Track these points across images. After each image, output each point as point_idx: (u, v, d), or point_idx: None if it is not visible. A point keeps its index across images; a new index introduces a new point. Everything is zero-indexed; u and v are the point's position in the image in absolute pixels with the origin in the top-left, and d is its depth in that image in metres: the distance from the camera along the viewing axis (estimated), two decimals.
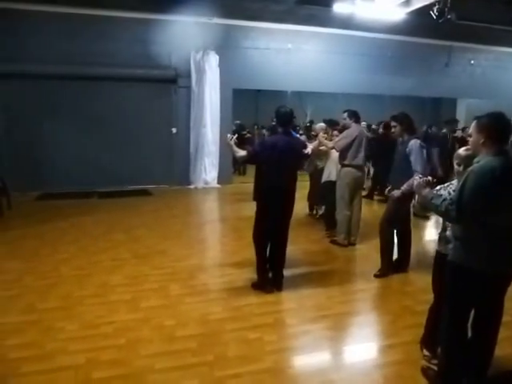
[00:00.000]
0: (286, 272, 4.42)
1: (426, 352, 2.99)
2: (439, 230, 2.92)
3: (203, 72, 9.39)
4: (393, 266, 4.65)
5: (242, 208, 7.70)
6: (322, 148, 5.57)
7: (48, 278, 4.43)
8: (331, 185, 5.72)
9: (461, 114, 13.30)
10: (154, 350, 3.11)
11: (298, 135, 6.37)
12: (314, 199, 7.01)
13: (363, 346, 3.30)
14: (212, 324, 3.50)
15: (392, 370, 2.91)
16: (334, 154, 5.69)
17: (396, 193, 4.32)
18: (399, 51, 10.81)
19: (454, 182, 2.76)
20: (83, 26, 8.48)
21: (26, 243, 5.58)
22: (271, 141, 4.13)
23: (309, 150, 4.17)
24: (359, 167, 5.40)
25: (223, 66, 9.49)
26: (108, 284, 4.27)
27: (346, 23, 9.21)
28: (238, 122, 10.62)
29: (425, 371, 2.84)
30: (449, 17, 7.03)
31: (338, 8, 7.94)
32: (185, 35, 9.10)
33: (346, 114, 5.51)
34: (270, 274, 4.26)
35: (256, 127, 15.12)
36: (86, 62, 8.56)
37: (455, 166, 2.73)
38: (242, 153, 4.09)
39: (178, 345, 3.18)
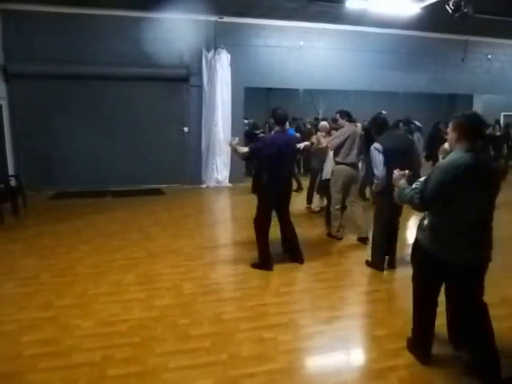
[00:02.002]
0: (298, 273, 4.53)
1: None
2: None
3: (215, 70, 9.41)
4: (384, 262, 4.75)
5: (254, 207, 7.69)
6: (320, 146, 5.95)
7: (64, 275, 4.49)
8: (328, 182, 5.93)
9: (477, 110, 13.09)
10: (168, 348, 3.13)
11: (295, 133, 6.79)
12: (310, 194, 7.52)
13: (378, 347, 3.27)
14: (226, 323, 3.50)
15: (407, 373, 2.87)
16: (331, 153, 5.91)
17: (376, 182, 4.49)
18: (413, 47, 10.67)
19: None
20: (96, 25, 8.56)
21: (41, 241, 5.67)
22: (270, 138, 4.59)
23: (301, 145, 4.60)
24: (352, 164, 5.62)
25: (235, 64, 9.49)
26: (122, 282, 4.30)
27: (359, 19, 9.14)
28: (251, 120, 10.59)
29: None
30: (465, 10, 6.89)
31: (350, 4, 7.86)
32: (196, 34, 9.16)
33: (338, 115, 5.80)
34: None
35: (267, 125, 15.10)
36: (98, 61, 8.64)
37: (440, 159, 3.04)
38: (244, 149, 4.65)
39: (193, 343, 3.19)
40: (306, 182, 8.14)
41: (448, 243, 2.59)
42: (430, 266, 2.71)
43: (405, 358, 3.03)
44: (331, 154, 5.92)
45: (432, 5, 7.64)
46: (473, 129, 2.52)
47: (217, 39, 9.33)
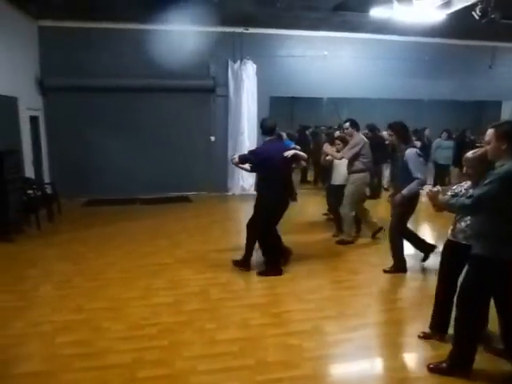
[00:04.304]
0: (323, 280, 4.63)
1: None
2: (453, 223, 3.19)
3: (241, 81, 9.57)
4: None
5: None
6: (328, 158, 6.10)
7: (96, 280, 4.66)
8: (334, 189, 6.16)
9: (506, 117, 12.79)
10: (196, 352, 3.21)
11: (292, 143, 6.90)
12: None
13: (404, 356, 3.27)
14: (252, 329, 3.56)
15: (434, 383, 2.86)
16: (336, 161, 6.06)
17: (397, 197, 4.56)
18: (438, 54, 10.54)
19: (464, 183, 3.11)
20: (127, 39, 8.86)
21: (74, 247, 5.89)
22: (261, 148, 4.77)
23: (288, 153, 4.53)
24: (368, 171, 5.83)
25: (260, 74, 9.63)
26: (152, 287, 4.43)
27: (383, 28, 9.14)
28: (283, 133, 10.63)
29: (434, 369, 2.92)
30: (492, 16, 6.79)
31: (374, 13, 7.87)
32: (223, 45, 9.37)
33: (347, 124, 5.87)
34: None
35: (297, 134, 15.17)
36: (129, 74, 8.93)
37: (464, 168, 2.99)
38: (246, 167, 4.90)
39: (220, 348, 3.26)
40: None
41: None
42: (494, 271, 2.65)
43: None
44: (336, 161, 6.07)
45: (458, 11, 7.56)
46: None
47: (243, 50, 9.50)
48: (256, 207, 4.85)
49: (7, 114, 7.40)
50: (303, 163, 5.15)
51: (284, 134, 9.44)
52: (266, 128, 4.67)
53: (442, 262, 3.30)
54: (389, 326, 3.72)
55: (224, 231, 6.81)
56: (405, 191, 4.49)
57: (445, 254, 3.27)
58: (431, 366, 2.94)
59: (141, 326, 3.61)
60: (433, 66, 10.52)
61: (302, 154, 4.76)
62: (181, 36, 8.96)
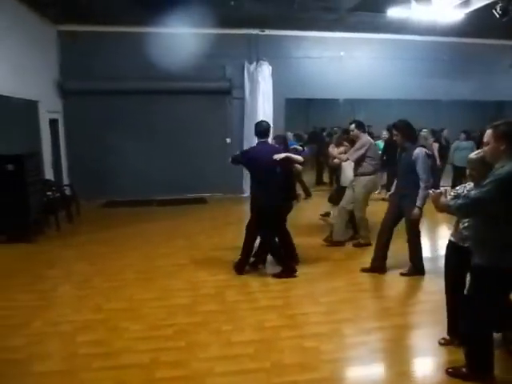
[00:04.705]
0: (339, 283, 4.57)
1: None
2: (454, 223, 3.21)
3: (256, 83, 9.59)
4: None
5: (293, 216, 7.74)
6: (335, 161, 6.09)
7: (114, 280, 4.72)
8: (342, 191, 6.12)
9: None
10: (212, 353, 3.22)
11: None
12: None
13: (421, 360, 3.22)
14: (268, 331, 3.56)
15: None
16: (344, 163, 6.06)
17: (416, 213, 4.44)
18: (457, 54, 10.37)
19: (467, 184, 3.07)
20: (144, 43, 8.94)
21: (93, 247, 5.98)
22: (251, 149, 4.85)
23: (277, 156, 4.52)
24: (375, 173, 5.79)
25: (276, 76, 9.63)
26: (168, 288, 4.47)
27: (400, 28, 9.04)
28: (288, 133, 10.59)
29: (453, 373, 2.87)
30: None
31: (392, 13, 7.80)
32: (238, 47, 9.41)
33: (353, 126, 5.75)
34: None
35: (306, 136, 15.13)
36: (146, 77, 9.02)
37: (467, 170, 2.96)
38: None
39: (236, 350, 3.27)
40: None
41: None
42: (502, 280, 2.59)
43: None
44: (342, 163, 6.07)
45: (477, 10, 7.44)
46: None
47: (259, 52, 9.53)
48: (251, 209, 4.91)
49: (28, 118, 7.59)
50: (298, 166, 5.03)
51: (290, 135, 9.44)
52: (258, 131, 4.71)
53: (445, 265, 3.30)
54: (406, 329, 3.68)
55: (240, 233, 6.74)
56: (419, 203, 4.40)
57: (447, 256, 3.28)
58: (450, 370, 2.89)
59: (158, 326, 3.64)
60: (451, 66, 10.36)
61: (295, 157, 4.74)
62: (197, 38, 9.02)
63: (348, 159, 5.79)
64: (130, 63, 8.98)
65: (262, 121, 4.90)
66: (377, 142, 8.60)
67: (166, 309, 3.97)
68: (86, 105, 9.04)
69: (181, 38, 8.91)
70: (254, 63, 9.58)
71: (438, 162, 9.85)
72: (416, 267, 4.76)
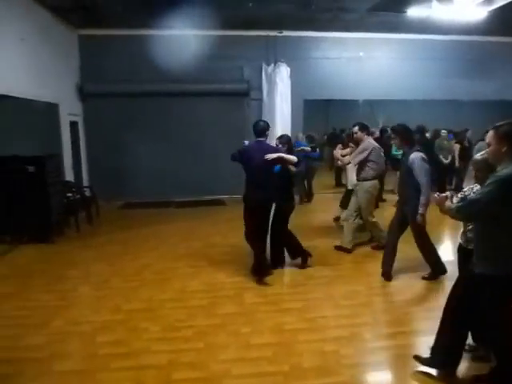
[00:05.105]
0: (358, 287, 4.50)
1: None
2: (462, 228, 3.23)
3: (274, 84, 9.55)
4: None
5: (312, 218, 7.70)
6: (339, 163, 6.10)
7: (132, 281, 4.75)
8: (349, 193, 6.13)
9: None
10: (230, 355, 3.20)
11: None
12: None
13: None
14: (287, 334, 3.52)
15: None
16: (348, 166, 6.01)
17: (419, 219, 4.34)
18: (479, 53, 10.13)
19: (474, 186, 3.01)
20: (162, 45, 9.00)
21: (111, 248, 6.04)
22: (245, 147, 4.95)
23: (269, 156, 4.50)
24: (377, 179, 5.61)
25: (294, 77, 9.58)
26: (186, 289, 4.47)
27: (420, 27, 8.90)
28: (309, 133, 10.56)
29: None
30: None
31: (412, 12, 7.68)
32: (256, 49, 9.40)
33: (356, 128, 5.59)
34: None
35: (326, 137, 15.05)
36: (164, 79, 9.08)
37: (473, 172, 2.96)
38: None
39: (254, 352, 3.24)
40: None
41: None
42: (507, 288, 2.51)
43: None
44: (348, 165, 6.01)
45: (500, 8, 7.25)
46: None
47: (276, 53, 9.49)
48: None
49: (49, 120, 7.72)
50: (292, 167, 4.91)
51: (300, 136, 9.37)
52: (255, 130, 4.81)
53: (458, 268, 3.29)
54: (428, 334, 3.56)
55: None
56: (421, 210, 4.30)
57: (458, 259, 3.31)
58: (474, 376, 2.82)
59: (176, 327, 3.64)
60: (473, 65, 10.13)
61: (288, 157, 4.63)
62: (214, 40, 9.06)
63: (350, 162, 5.69)
64: (148, 66, 9.04)
65: (259, 120, 4.98)
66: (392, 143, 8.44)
67: (184, 310, 3.97)
68: (104, 107, 9.15)
69: (198, 40, 8.96)
70: (272, 64, 9.55)
71: (457, 163, 9.66)
72: (434, 270, 4.66)
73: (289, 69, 9.55)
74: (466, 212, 2.52)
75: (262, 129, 4.78)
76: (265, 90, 9.64)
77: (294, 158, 4.65)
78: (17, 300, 4.27)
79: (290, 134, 9.50)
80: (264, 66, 9.58)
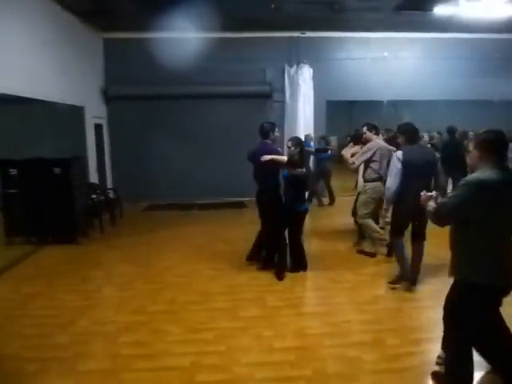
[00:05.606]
0: (382, 291, 4.43)
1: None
2: None
3: (297, 85, 9.51)
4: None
5: (334, 221, 7.60)
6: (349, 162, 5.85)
7: (155, 282, 4.79)
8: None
9: None
10: (253, 358, 3.17)
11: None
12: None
13: (475, 375, 3.01)
14: (309, 338, 3.47)
15: None
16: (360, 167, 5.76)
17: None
18: (508, 51, 9.80)
19: None
20: (185, 48, 9.07)
21: (135, 250, 6.11)
22: (254, 148, 5.07)
23: (264, 157, 4.71)
24: (380, 180, 5.38)
25: (317, 78, 9.50)
26: (208, 292, 4.47)
27: (447, 26, 8.69)
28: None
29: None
30: None
31: (439, 11, 7.51)
32: (279, 50, 9.38)
33: (365, 128, 5.52)
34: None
35: (349, 138, 14.85)
36: (187, 81, 9.15)
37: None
38: None
39: (277, 356, 3.20)
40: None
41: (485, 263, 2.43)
42: (477, 297, 2.44)
43: None
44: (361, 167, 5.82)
45: None
46: (495, 145, 2.45)
47: (299, 54, 9.45)
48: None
49: (75, 123, 7.88)
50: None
51: (311, 135, 9.27)
52: (261, 132, 5.02)
53: None
54: None
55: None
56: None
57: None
58: None
59: (198, 330, 3.64)
60: (501, 64, 9.82)
61: (278, 158, 4.76)
62: (237, 42, 9.08)
63: (354, 163, 5.53)
64: (171, 68, 9.09)
65: (264, 122, 5.13)
66: None
67: (206, 312, 3.97)
68: (128, 110, 9.30)
69: (221, 42, 8.99)
70: (295, 66, 9.51)
71: None
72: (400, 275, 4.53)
73: (311, 70, 9.49)
74: (436, 214, 2.56)
75: (266, 131, 4.97)
76: (287, 92, 9.61)
77: (283, 159, 4.77)
78: (43, 299, 4.36)
79: (313, 136, 9.54)
80: (286, 67, 9.55)
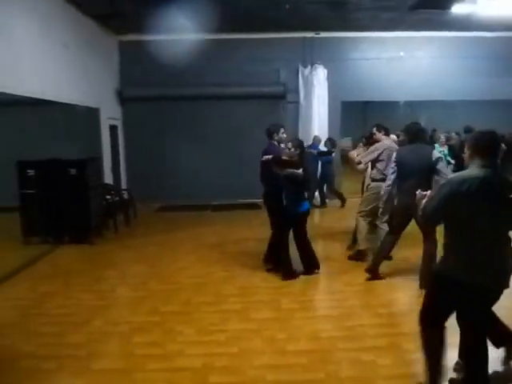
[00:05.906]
0: (398, 294, 4.36)
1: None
2: None
3: (311, 86, 9.47)
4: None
5: (346, 223, 7.51)
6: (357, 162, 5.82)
7: (169, 283, 4.80)
8: None
9: None
10: (265, 361, 3.15)
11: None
12: None
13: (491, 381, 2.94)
14: (323, 341, 3.43)
15: None
16: (368, 170, 5.75)
17: None
18: None
19: None
20: (199, 50, 9.10)
21: (149, 250, 6.14)
22: (264, 149, 5.21)
23: (265, 157, 4.96)
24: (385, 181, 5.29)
25: (331, 79, 9.45)
26: (221, 293, 4.46)
27: (465, 24, 8.53)
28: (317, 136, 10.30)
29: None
30: None
31: (456, 9, 7.39)
32: (293, 51, 9.35)
33: (374, 129, 5.56)
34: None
35: (363, 139, 14.71)
36: (201, 83, 9.21)
37: None
38: None
39: (290, 359, 3.17)
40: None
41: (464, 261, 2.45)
42: (443, 289, 2.55)
43: None
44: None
45: None
46: (484, 145, 2.47)
47: (313, 55, 9.40)
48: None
49: (90, 124, 7.96)
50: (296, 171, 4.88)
51: (319, 137, 9.19)
52: (266, 133, 5.25)
53: None
54: None
55: (292, 239, 6.69)
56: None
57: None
58: None
59: (211, 331, 3.63)
60: None
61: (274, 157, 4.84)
62: (250, 43, 9.08)
63: (361, 162, 5.54)
64: (184, 70, 9.16)
65: (272, 125, 5.33)
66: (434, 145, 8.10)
67: (218, 314, 3.96)
68: (143, 111, 9.38)
69: (235, 44, 9.00)
70: (309, 67, 9.47)
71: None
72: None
73: (326, 70, 9.44)
74: (422, 214, 2.57)
75: (270, 132, 5.20)
76: (301, 93, 9.57)
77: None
78: (59, 298, 4.41)
79: (327, 137, 9.46)
80: (301, 68, 9.51)
